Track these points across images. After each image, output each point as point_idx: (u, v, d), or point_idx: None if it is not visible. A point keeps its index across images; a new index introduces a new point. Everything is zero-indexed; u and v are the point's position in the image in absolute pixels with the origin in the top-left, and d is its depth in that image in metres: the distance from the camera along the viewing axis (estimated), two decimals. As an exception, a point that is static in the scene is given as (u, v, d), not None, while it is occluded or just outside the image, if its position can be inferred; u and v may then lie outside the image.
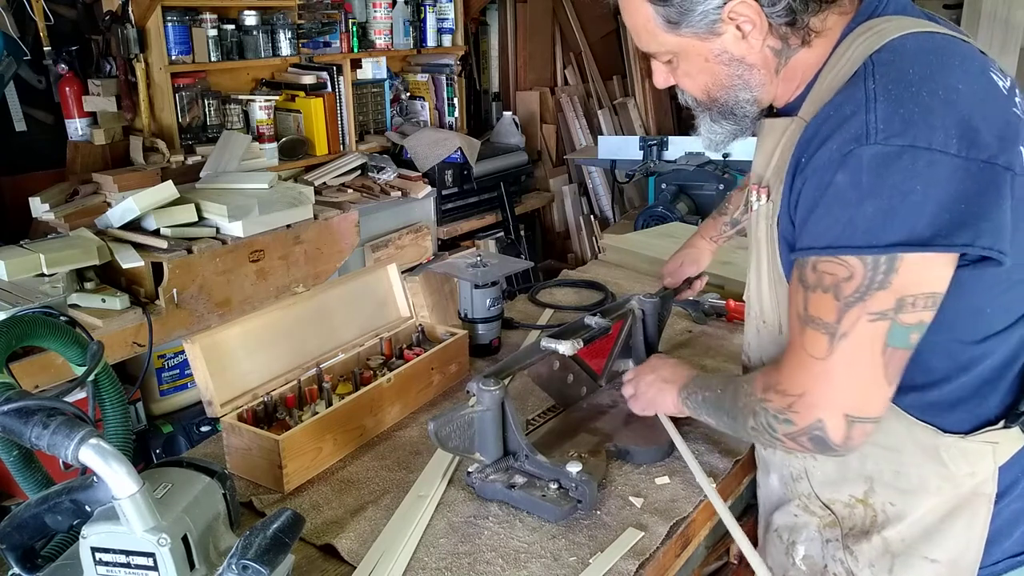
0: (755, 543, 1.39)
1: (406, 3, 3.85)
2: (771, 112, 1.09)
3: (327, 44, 3.56)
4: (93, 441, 0.84)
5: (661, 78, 1.11)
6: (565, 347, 1.28)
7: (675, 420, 1.33)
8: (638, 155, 3.53)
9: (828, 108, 0.91)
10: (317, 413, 1.32)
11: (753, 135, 1.11)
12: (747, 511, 1.42)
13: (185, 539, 0.88)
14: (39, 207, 2.70)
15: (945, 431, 0.99)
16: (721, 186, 3.25)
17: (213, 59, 3.15)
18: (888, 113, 0.85)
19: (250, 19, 3.24)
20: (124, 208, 2.57)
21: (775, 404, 0.98)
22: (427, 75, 4.12)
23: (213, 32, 3.12)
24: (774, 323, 1.10)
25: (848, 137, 0.87)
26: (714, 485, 1.21)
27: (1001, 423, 0.99)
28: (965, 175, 0.83)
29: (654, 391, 1.30)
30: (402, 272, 1.66)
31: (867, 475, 1.07)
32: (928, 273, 0.87)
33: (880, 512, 1.08)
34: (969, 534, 1.03)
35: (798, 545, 1.17)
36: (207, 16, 3.10)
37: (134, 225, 2.62)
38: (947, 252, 0.85)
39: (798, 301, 0.94)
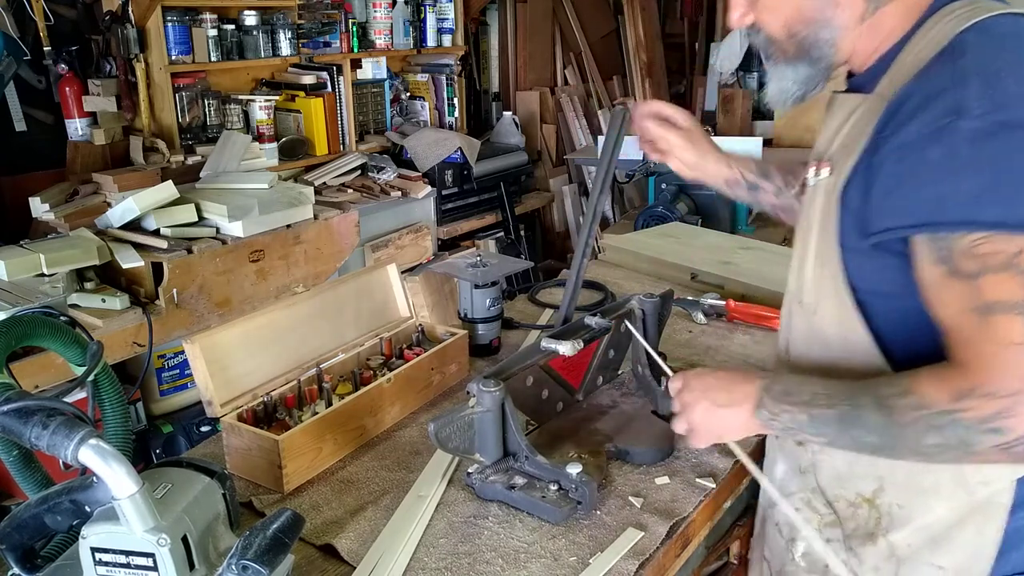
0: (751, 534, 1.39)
1: (406, 3, 3.85)
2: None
3: (327, 44, 3.56)
4: (93, 441, 0.83)
5: (738, 14, 1.05)
6: (565, 347, 1.28)
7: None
8: (638, 155, 3.53)
9: (914, 84, 0.90)
10: (317, 413, 1.32)
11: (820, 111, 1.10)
12: (747, 511, 1.42)
13: (185, 539, 0.88)
14: (39, 207, 2.71)
15: None
16: (721, 186, 3.25)
17: (213, 59, 3.15)
18: (985, 90, 0.84)
19: (250, 19, 3.24)
20: (124, 208, 2.58)
21: (977, 413, 0.85)
22: (427, 75, 4.12)
23: (213, 32, 3.12)
24: (811, 303, 1.06)
25: (940, 112, 0.86)
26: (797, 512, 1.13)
27: None
28: None
29: (715, 421, 1.09)
30: (402, 272, 1.66)
31: (879, 474, 1.05)
32: None
33: (885, 514, 1.05)
34: (979, 543, 1.00)
35: (798, 542, 1.16)
36: (207, 16, 3.10)
37: (134, 225, 2.62)
38: None
39: (963, 295, 0.87)
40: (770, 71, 1.08)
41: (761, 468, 1.26)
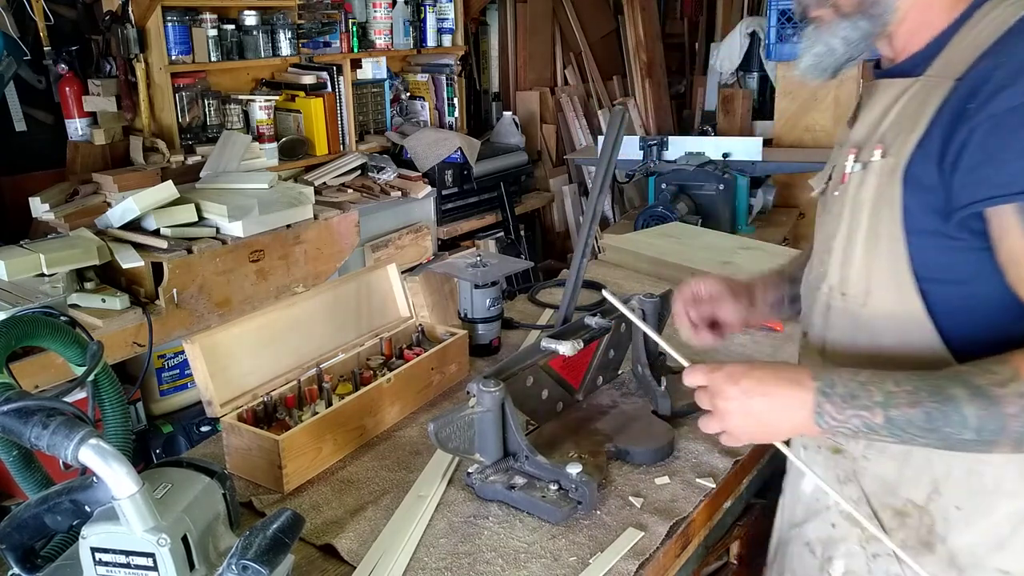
0: (763, 552, 1.33)
1: (406, 3, 3.85)
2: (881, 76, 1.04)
3: (327, 44, 3.56)
4: (93, 441, 0.84)
5: None
6: (565, 347, 1.28)
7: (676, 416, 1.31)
8: (638, 155, 3.53)
9: (993, 60, 0.89)
10: (317, 413, 1.32)
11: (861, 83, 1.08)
12: (747, 511, 1.42)
13: (185, 539, 0.88)
14: (39, 207, 2.71)
15: None
16: (721, 186, 3.25)
17: (213, 59, 3.15)
18: None
19: (250, 19, 3.24)
20: (124, 208, 2.58)
21: None
22: (427, 75, 4.12)
23: (213, 32, 3.12)
24: (858, 294, 1.00)
25: None
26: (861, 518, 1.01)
27: None
28: None
29: (759, 429, 0.98)
30: (402, 272, 1.66)
31: (933, 476, 0.98)
32: None
33: (941, 519, 0.99)
34: None
35: (836, 560, 1.09)
36: (207, 16, 3.10)
37: (134, 225, 2.62)
38: None
39: None
40: (811, 35, 1.02)
41: (753, 479, 1.24)
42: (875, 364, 0.96)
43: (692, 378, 1.02)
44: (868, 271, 0.99)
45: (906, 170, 0.93)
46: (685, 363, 1.04)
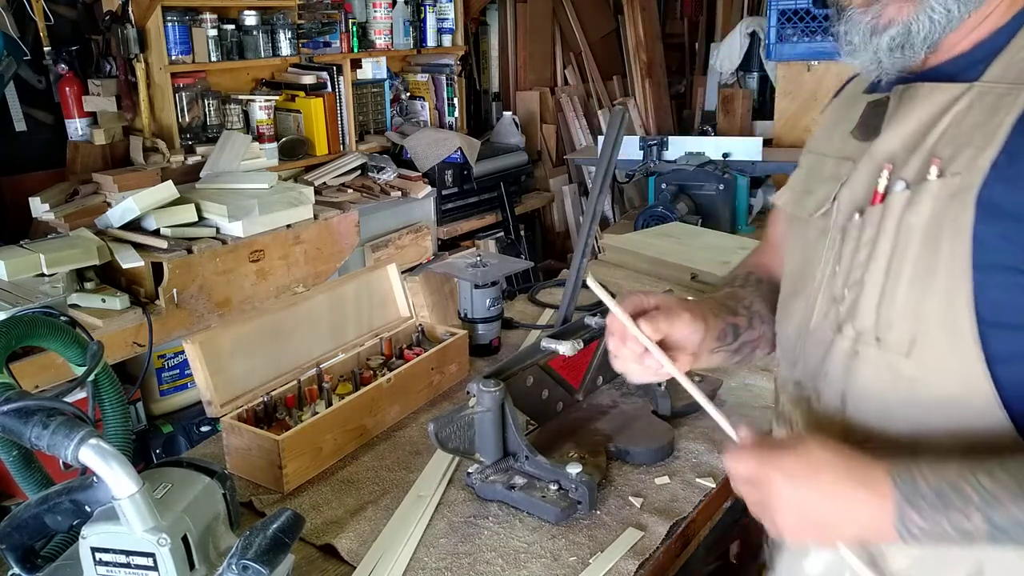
0: None
1: (406, 3, 3.85)
2: (898, 81, 0.90)
3: (327, 44, 3.56)
4: (93, 441, 0.84)
5: None
6: (565, 347, 1.28)
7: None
8: (638, 155, 3.53)
9: None
10: (317, 413, 1.32)
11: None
12: (747, 511, 1.42)
13: (185, 539, 0.88)
14: (39, 207, 2.70)
15: None
16: (721, 186, 3.24)
17: (213, 59, 3.15)
18: None
19: (250, 19, 3.24)
20: (124, 208, 2.58)
21: None
22: (427, 75, 4.12)
23: (213, 32, 3.12)
24: (900, 341, 0.83)
25: None
26: None
27: None
28: None
29: (819, 532, 0.82)
30: (402, 272, 1.66)
31: (976, 555, 0.83)
32: None
33: None
34: None
35: None
36: (207, 16, 3.10)
37: (134, 225, 2.62)
38: None
39: None
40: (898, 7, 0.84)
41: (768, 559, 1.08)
42: (917, 428, 0.84)
43: (737, 465, 0.86)
44: (916, 313, 0.82)
45: (980, 193, 0.78)
46: (736, 436, 0.87)
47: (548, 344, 1.29)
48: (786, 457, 0.81)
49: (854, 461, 0.79)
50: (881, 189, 0.86)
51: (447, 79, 4.16)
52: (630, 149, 3.56)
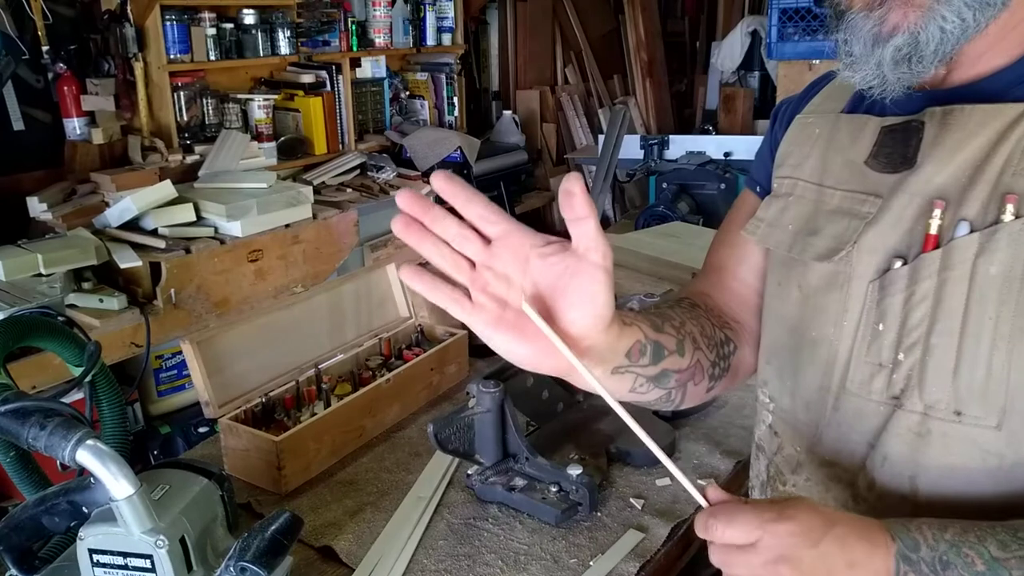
0: None
1: (405, 2, 3.85)
2: (927, 101, 0.78)
3: (326, 43, 3.56)
4: (90, 442, 0.83)
5: None
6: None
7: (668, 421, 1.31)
8: (639, 154, 3.53)
9: None
10: (316, 414, 1.32)
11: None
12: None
13: (183, 541, 0.88)
14: (37, 207, 2.70)
15: None
16: (722, 185, 3.25)
17: (212, 58, 3.14)
18: None
19: (249, 18, 3.24)
20: (122, 208, 2.57)
21: None
22: (427, 74, 4.12)
23: (212, 31, 3.11)
24: (989, 413, 0.72)
25: None
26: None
27: None
28: None
29: None
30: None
31: None
32: None
33: None
34: None
35: None
36: (206, 15, 3.10)
37: (132, 225, 2.62)
38: None
39: None
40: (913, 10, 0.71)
41: None
42: (1010, 503, 0.73)
43: (729, 531, 0.71)
44: (1006, 379, 0.71)
45: None
46: (704, 502, 0.75)
47: (548, 344, 1.29)
48: (783, 522, 0.68)
49: (860, 518, 0.70)
50: (934, 231, 0.73)
51: (447, 78, 4.15)
52: (631, 148, 3.57)
